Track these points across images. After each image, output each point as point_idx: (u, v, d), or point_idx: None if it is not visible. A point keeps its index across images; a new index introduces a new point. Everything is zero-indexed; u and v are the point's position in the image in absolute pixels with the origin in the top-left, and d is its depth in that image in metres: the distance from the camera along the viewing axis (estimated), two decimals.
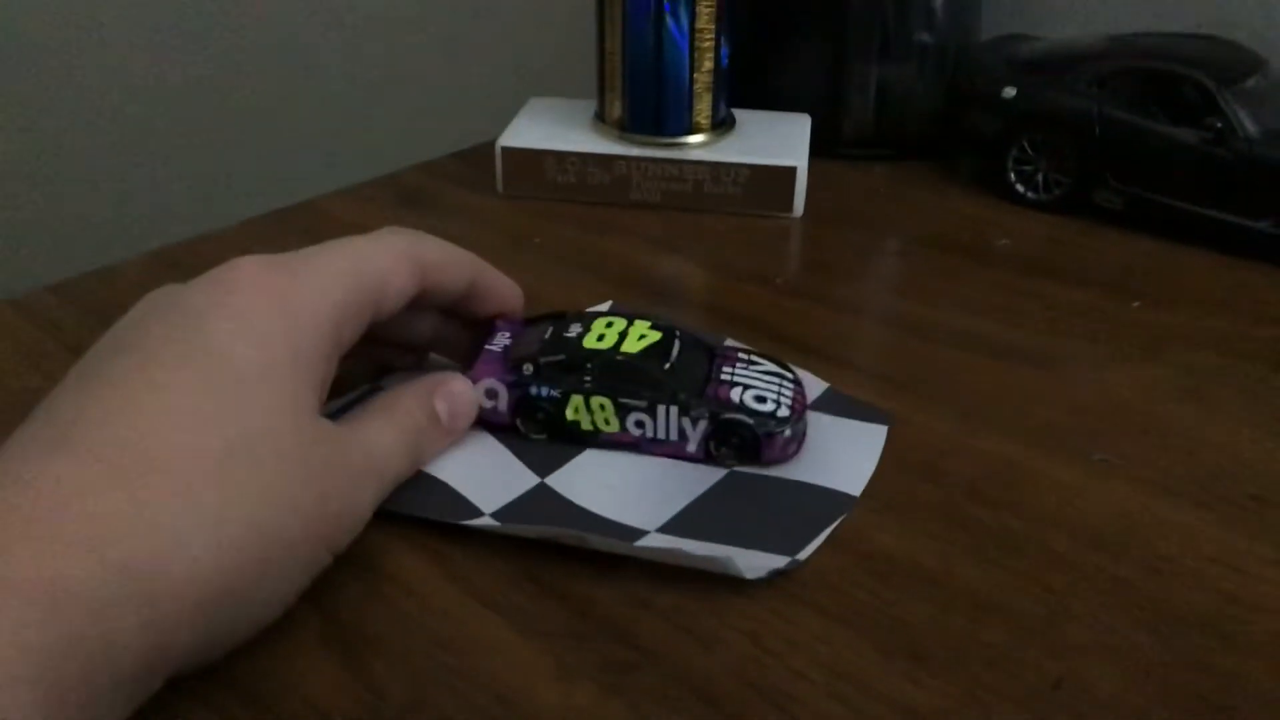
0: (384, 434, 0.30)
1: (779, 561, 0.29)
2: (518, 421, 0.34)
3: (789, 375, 0.35)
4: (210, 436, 0.25)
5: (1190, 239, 0.50)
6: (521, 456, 0.34)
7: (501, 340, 0.35)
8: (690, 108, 0.54)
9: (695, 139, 0.55)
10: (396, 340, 0.35)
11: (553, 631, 0.28)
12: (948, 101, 0.60)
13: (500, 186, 0.56)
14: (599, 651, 0.27)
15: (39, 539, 0.21)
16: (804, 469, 0.33)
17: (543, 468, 0.33)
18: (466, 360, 0.36)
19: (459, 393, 0.33)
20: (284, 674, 0.26)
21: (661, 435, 0.33)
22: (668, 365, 0.33)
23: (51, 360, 0.39)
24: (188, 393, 0.25)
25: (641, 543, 0.30)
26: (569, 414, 0.34)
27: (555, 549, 0.30)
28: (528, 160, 0.55)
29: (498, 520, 0.31)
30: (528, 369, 0.33)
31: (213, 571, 0.23)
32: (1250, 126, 0.48)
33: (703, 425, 0.33)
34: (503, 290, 0.36)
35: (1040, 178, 0.55)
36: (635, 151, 0.54)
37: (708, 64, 0.54)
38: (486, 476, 0.32)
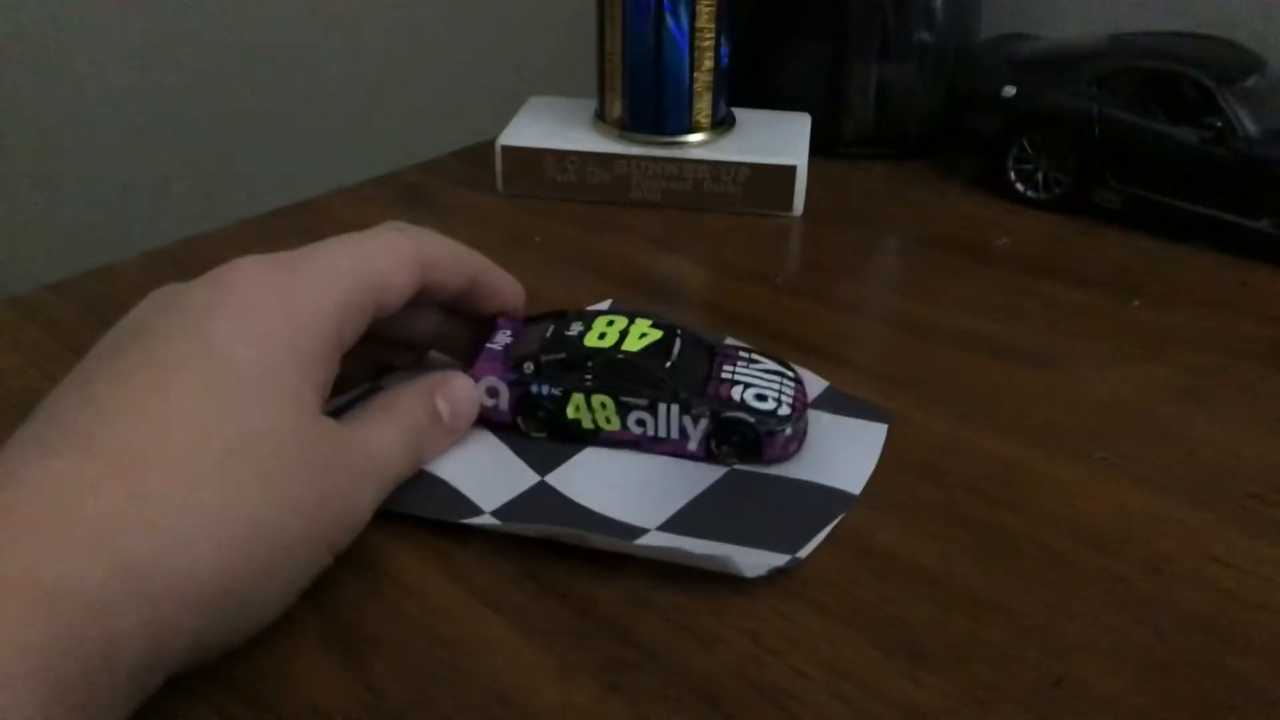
0: (385, 433, 0.30)
1: (779, 560, 0.29)
2: (518, 420, 0.34)
3: (789, 374, 0.35)
4: (211, 436, 0.25)
5: (1190, 238, 0.50)
6: (522, 455, 0.34)
7: (502, 338, 0.35)
8: (690, 107, 0.54)
9: (695, 138, 0.55)
10: (397, 338, 0.35)
11: (553, 630, 0.28)
12: (948, 100, 0.60)
13: (500, 185, 0.56)
14: (599, 650, 0.27)
15: (39, 538, 0.21)
16: (804, 467, 0.33)
17: (543, 466, 0.33)
18: (467, 358, 0.36)
19: (460, 391, 0.33)
20: (284, 673, 0.26)
21: (662, 434, 0.33)
22: (669, 364, 0.33)
23: (52, 360, 0.39)
24: (188, 392, 0.25)
25: (642, 541, 0.30)
26: (570, 412, 0.34)
27: (555, 548, 0.30)
28: (528, 159, 0.55)
29: (498, 519, 0.31)
30: (529, 367, 0.33)
31: (213, 571, 0.23)
32: (1250, 126, 0.48)
33: (704, 423, 0.33)
34: (504, 287, 0.36)
35: (1040, 177, 0.55)
36: (635, 150, 0.54)
37: (708, 63, 0.54)
38: (487, 475, 0.32)
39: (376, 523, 0.29)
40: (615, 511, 0.31)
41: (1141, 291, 0.46)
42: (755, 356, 0.36)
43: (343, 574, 0.28)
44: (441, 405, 0.32)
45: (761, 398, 0.33)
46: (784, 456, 0.33)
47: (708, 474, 0.33)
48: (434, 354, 0.38)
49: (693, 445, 0.33)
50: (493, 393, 0.34)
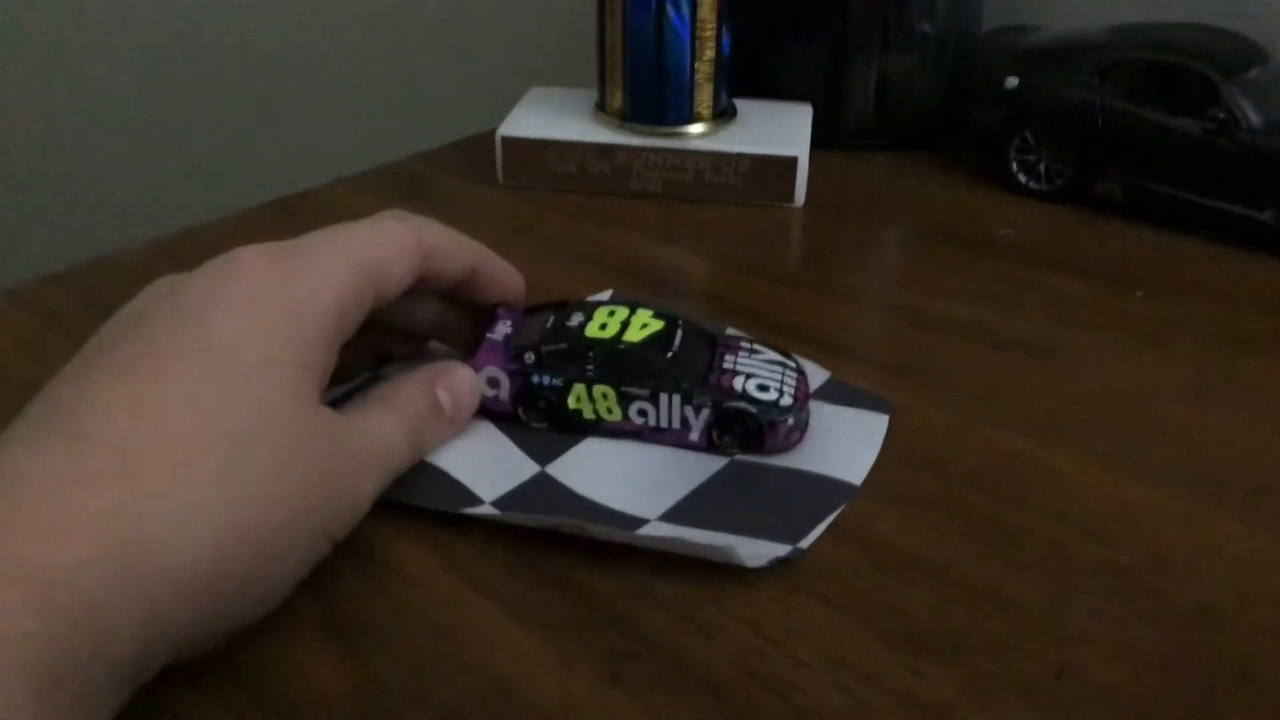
0: (385, 423, 0.30)
1: (780, 550, 0.29)
2: (519, 410, 0.34)
3: (791, 364, 0.35)
4: (209, 426, 0.25)
5: (1192, 230, 0.50)
6: (522, 445, 0.34)
7: (502, 329, 0.35)
8: (691, 97, 0.54)
9: (696, 129, 0.55)
10: (397, 327, 0.35)
11: (554, 621, 0.28)
12: (949, 92, 0.60)
13: (500, 176, 0.56)
14: (600, 641, 0.27)
15: (34, 528, 0.21)
16: (805, 458, 0.33)
17: (543, 456, 0.33)
18: (467, 348, 0.35)
19: (462, 382, 0.33)
20: (284, 664, 0.26)
21: (664, 424, 0.33)
22: (670, 354, 0.33)
23: (50, 350, 0.39)
24: (187, 383, 0.25)
25: (643, 531, 0.30)
26: (571, 403, 0.33)
27: (556, 538, 0.30)
28: (528, 150, 0.55)
29: (498, 509, 0.31)
30: (530, 358, 0.33)
31: (210, 560, 0.23)
32: (1253, 117, 0.48)
33: (705, 414, 0.33)
34: (504, 277, 0.35)
35: (1042, 168, 0.54)
36: (636, 141, 0.54)
37: (709, 53, 0.54)
38: (486, 465, 0.32)
39: (376, 513, 0.29)
40: (616, 502, 0.31)
41: (1143, 283, 0.46)
42: (757, 347, 0.35)
43: (343, 564, 0.28)
44: (443, 396, 0.32)
45: (764, 388, 0.33)
46: (786, 447, 0.33)
47: (709, 464, 0.33)
48: (434, 344, 0.38)
49: (694, 435, 0.33)
50: (493, 383, 0.34)
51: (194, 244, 0.48)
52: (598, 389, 0.33)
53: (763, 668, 0.26)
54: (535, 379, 0.33)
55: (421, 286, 0.33)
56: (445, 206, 0.53)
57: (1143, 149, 0.51)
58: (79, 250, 0.48)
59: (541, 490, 0.32)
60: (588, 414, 0.34)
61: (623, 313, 0.34)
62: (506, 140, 0.55)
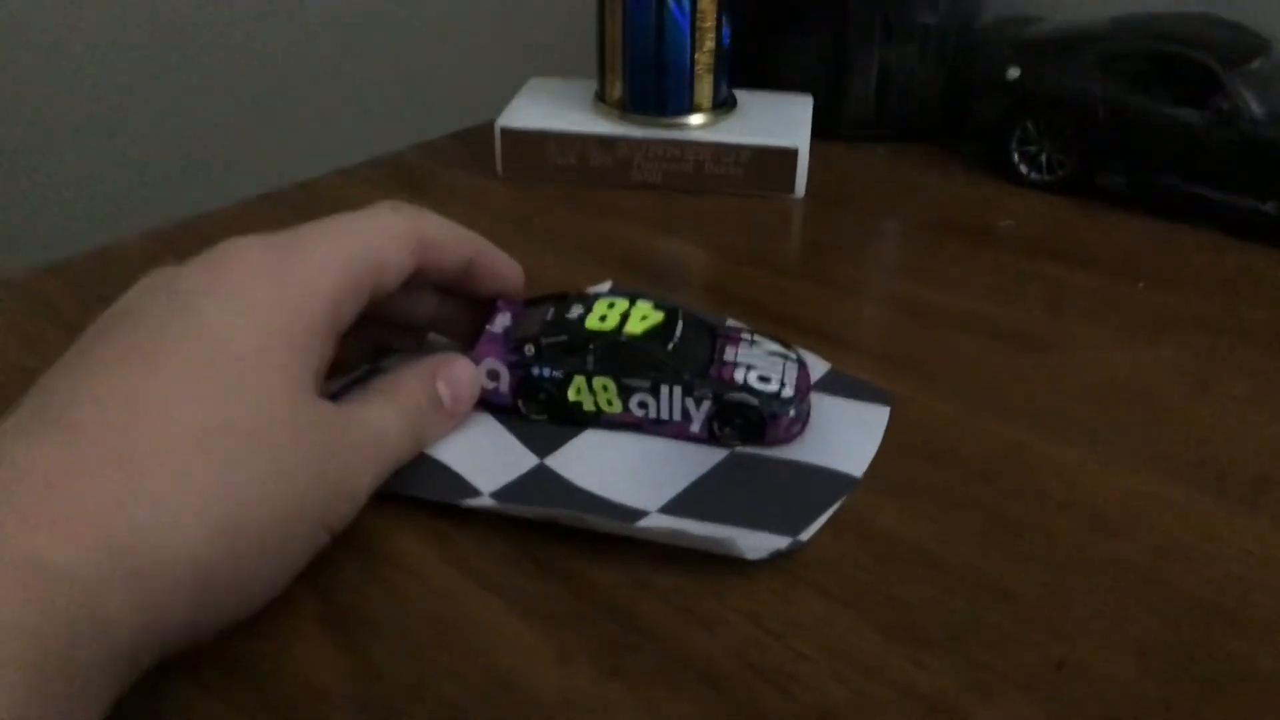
0: (385, 414, 0.30)
1: (781, 542, 0.29)
2: (519, 402, 0.34)
3: (792, 355, 0.35)
4: (204, 417, 0.24)
5: (1194, 221, 0.50)
6: (521, 437, 0.33)
7: (502, 321, 0.35)
8: (691, 88, 0.54)
9: (696, 119, 0.54)
10: (395, 319, 0.35)
11: (553, 613, 0.27)
12: (951, 83, 0.60)
13: (499, 167, 0.56)
14: (599, 633, 0.27)
15: (28, 519, 0.21)
16: (806, 450, 0.33)
17: (542, 448, 0.33)
18: (466, 340, 0.35)
19: (462, 374, 0.33)
20: (282, 656, 0.26)
21: (665, 416, 0.33)
22: (671, 346, 0.33)
23: (47, 341, 0.39)
24: (182, 374, 0.25)
25: (643, 523, 0.30)
26: (571, 395, 0.33)
27: (555, 530, 0.30)
28: (527, 141, 0.55)
29: (497, 500, 0.30)
30: (530, 350, 0.33)
31: (205, 550, 0.23)
32: (1255, 108, 0.47)
33: (706, 405, 0.33)
34: (503, 269, 0.35)
35: (1044, 159, 0.54)
36: (636, 132, 0.54)
37: (709, 44, 0.53)
38: (485, 457, 0.32)
39: (375, 504, 0.29)
40: (615, 494, 0.31)
41: (1145, 274, 0.46)
42: (757, 338, 0.35)
43: (341, 556, 0.28)
44: (442, 388, 0.32)
45: (765, 379, 0.33)
46: (787, 438, 0.33)
47: (709, 456, 0.33)
48: (433, 336, 0.38)
49: (695, 427, 0.33)
50: (493, 375, 0.34)
51: (193, 235, 0.48)
52: (598, 381, 0.33)
53: (763, 660, 0.26)
54: (535, 371, 0.33)
55: (419, 278, 0.33)
56: (444, 198, 0.53)
57: (1144, 140, 0.50)
58: (77, 241, 0.48)
59: (541, 482, 0.32)
60: (588, 406, 0.33)
61: (623, 304, 0.34)
62: (506, 131, 0.55)
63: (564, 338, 0.33)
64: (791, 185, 0.53)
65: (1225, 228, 0.49)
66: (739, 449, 0.33)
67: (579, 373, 0.33)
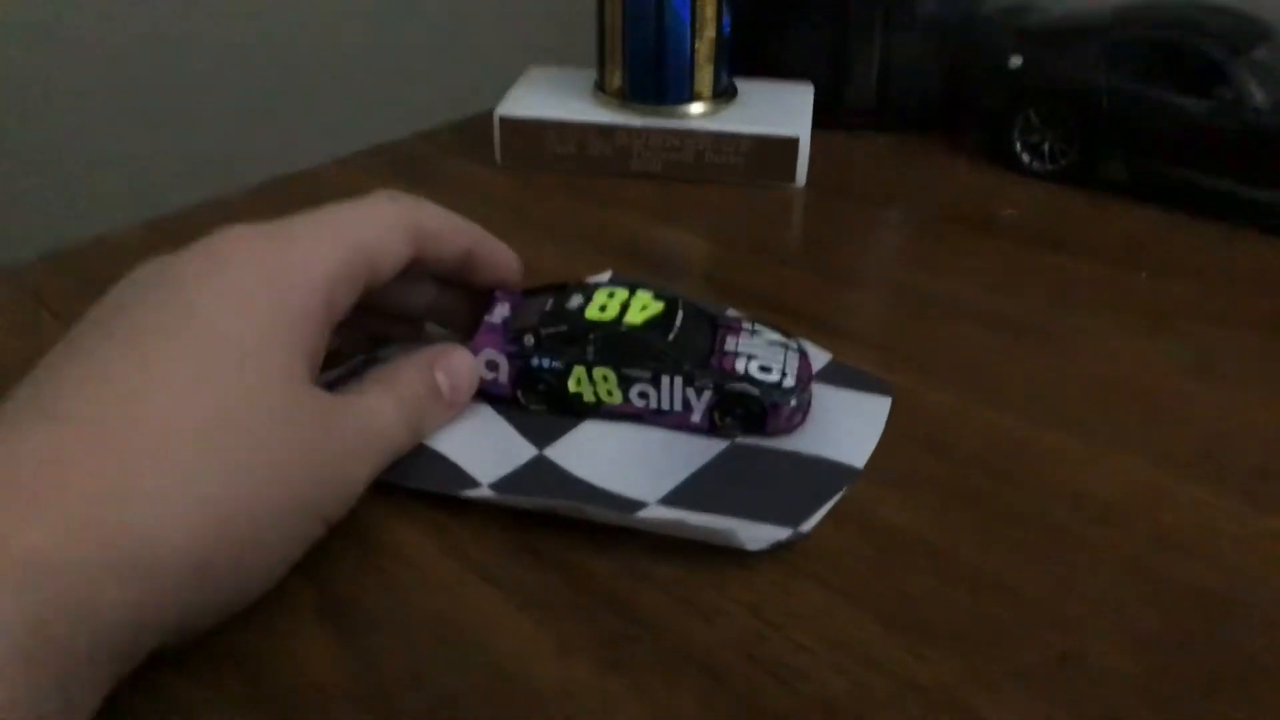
0: (382, 404, 0.30)
1: (781, 533, 0.29)
2: (518, 393, 0.34)
3: (793, 345, 0.35)
4: (197, 407, 0.24)
5: (1197, 210, 0.50)
6: (519, 428, 0.33)
7: (501, 312, 0.35)
8: (692, 77, 0.54)
9: (696, 109, 0.54)
10: (392, 309, 0.35)
11: (552, 604, 0.27)
12: (952, 71, 0.60)
13: (498, 156, 0.55)
14: (599, 625, 0.27)
15: (19, 510, 0.21)
16: (807, 441, 0.33)
17: (541, 439, 0.33)
18: (465, 331, 0.35)
19: (460, 365, 0.32)
20: (279, 648, 0.26)
21: (666, 406, 0.33)
22: (671, 336, 0.33)
23: (42, 331, 0.39)
24: (175, 364, 0.25)
25: (642, 514, 0.29)
26: (571, 385, 0.33)
27: (554, 521, 0.29)
28: (526, 130, 0.54)
29: (495, 491, 0.30)
30: (529, 340, 0.33)
31: (197, 541, 0.23)
32: (1259, 96, 0.47)
33: (707, 396, 0.32)
34: (501, 259, 0.35)
35: (1046, 148, 0.54)
36: (636, 121, 0.53)
37: (710, 33, 0.53)
38: (484, 448, 0.32)
39: (372, 496, 0.29)
40: (615, 485, 0.31)
41: (1148, 264, 0.46)
42: (758, 327, 0.35)
43: (338, 547, 0.28)
44: (441, 379, 0.32)
45: (766, 369, 0.33)
46: (789, 429, 0.33)
47: (709, 447, 0.33)
48: (431, 326, 0.37)
49: (696, 418, 0.33)
50: (492, 366, 0.33)
51: (190, 224, 0.47)
52: (598, 371, 0.33)
53: (763, 651, 0.26)
54: (535, 362, 0.33)
55: (416, 268, 0.32)
56: (442, 187, 0.53)
57: (1148, 129, 0.50)
58: (74, 231, 0.48)
59: (539, 473, 0.31)
60: (588, 397, 0.33)
61: (622, 294, 0.34)
62: (505, 120, 0.54)
63: (564, 328, 0.33)
64: (792, 175, 0.53)
65: (1228, 217, 0.49)
66: (739, 440, 0.33)
67: (579, 363, 0.33)
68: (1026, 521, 0.30)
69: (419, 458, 0.31)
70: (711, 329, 0.34)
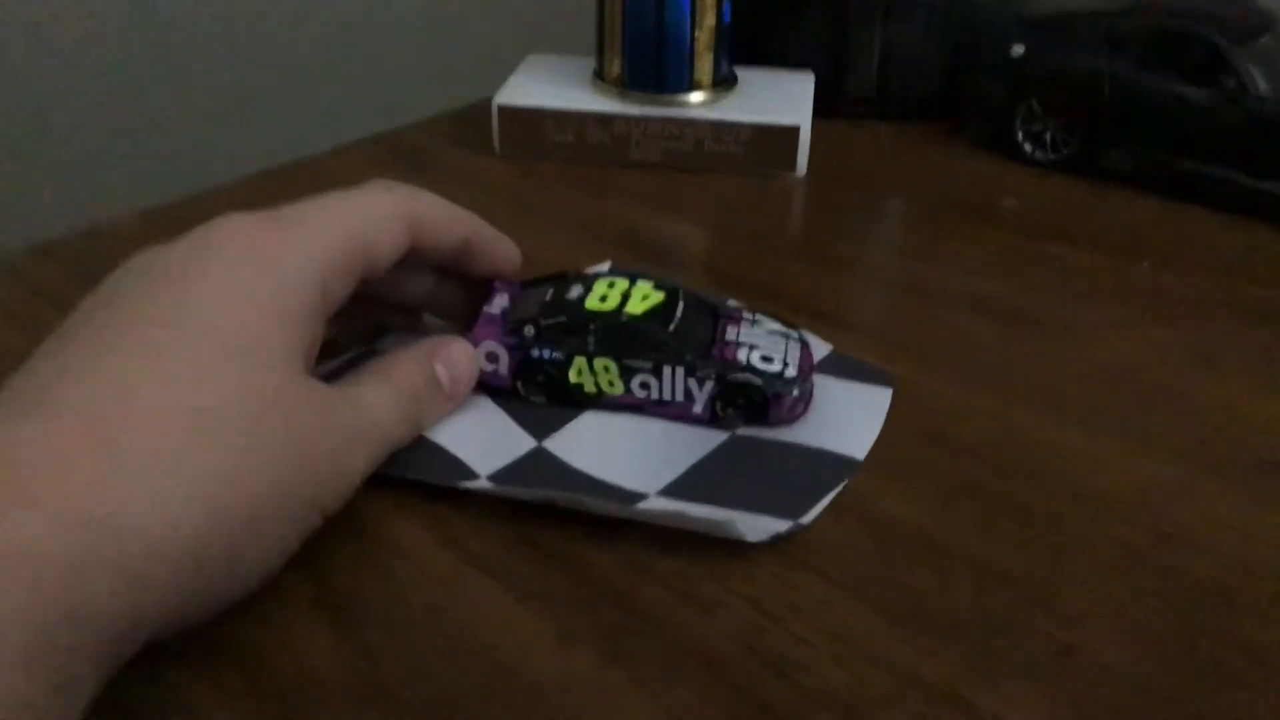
0: (380, 396, 0.29)
1: (781, 525, 0.29)
2: (518, 384, 0.34)
3: (794, 335, 0.35)
4: (191, 397, 0.24)
5: (1200, 200, 0.50)
6: (519, 419, 0.33)
7: (500, 302, 0.34)
8: (691, 65, 0.53)
9: (696, 97, 0.54)
10: (390, 299, 0.35)
11: (551, 597, 0.27)
12: (954, 60, 0.59)
13: (497, 145, 0.55)
14: (598, 617, 0.27)
15: (12, 501, 0.21)
16: (807, 432, 0.33)
17: (540, 431, 0.33)
18: (463, 321, 0.35)
19: (460, 357, 0.32)
20: (276, 641, 0.26)
21: (667, 397, 0.33)
22: (672, 326, 0.32)
23: (37, 321, 0.39)
24: (169, 354, 0.25)
25: (642, 505, 0.29)
26: (572, 376, 0.33)
27: (553, 513, 0.29)
28: (525, 119, 0.54)
29: (494, 483, 0.30)
30: (529, 331, 0.33)
31: (190, 531, 0.23)
32: (1262, 85, 0.47)
33: (709, 386, 0.32)
34: (499, 249, 0.35)
35: (1048, 137, 0.54)
36: (635, 110, 0.53)
37: (710, 21, 0.53)
38: (482, 439, 0.32)
39: (370, 487, 0.29)
40: (614, 477, 0.31)
41: (1150, 254, 0.45)
42: (759, 317, 0.35)
43: (336, 539, 0.28)
44: (440, 371, 0.31)
45: (768, 359, 0.32)
46: (790, 419, 0.33)
47: (710, 439, 0.32)
48: (429, 317, 0.37)
49: (698, 408, 0.33)
50: (492, 358, 0.33)
51: (188, 213, 0.47)
52: (599, 362, 0.32)
53: (763, 644, 0.26)
54: (535, 353, 0.33)
55: (413, 258, 0.32)
56: (440, 176, 0.53)
57: (1150, 118, 0.50)
58: (70, 220, 0.47)
59: (539, 465, 0.31)
60: (589, 388, 0.33)
61: (623, 284, 0.34)
62: (503, 109, 0.54)
63: (564, 319, 0.33)
64: (793, 164, 0.53)
65: (1231, 207, 0.49)
66: (739, 432, 0.33)
67: (580, 354, 0.33)
68: (1028, 513, 0.30)
69: (417, 449, 0.31)
70: (712, 319, 0.34)
